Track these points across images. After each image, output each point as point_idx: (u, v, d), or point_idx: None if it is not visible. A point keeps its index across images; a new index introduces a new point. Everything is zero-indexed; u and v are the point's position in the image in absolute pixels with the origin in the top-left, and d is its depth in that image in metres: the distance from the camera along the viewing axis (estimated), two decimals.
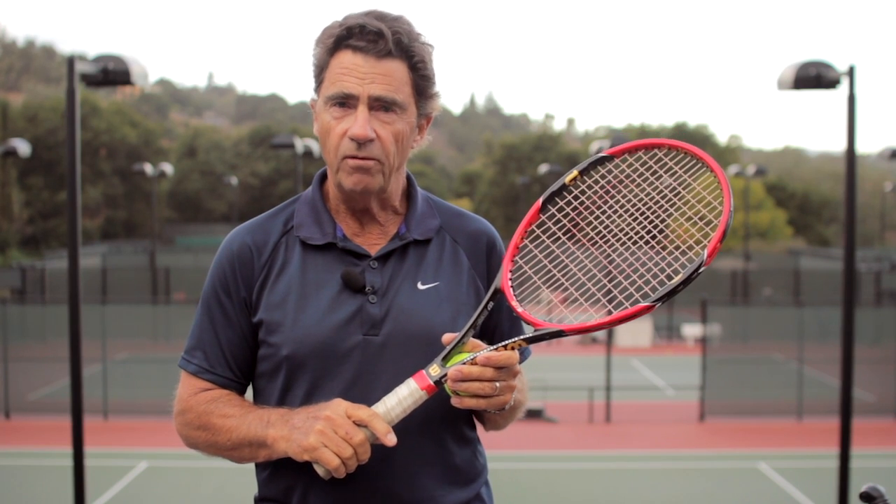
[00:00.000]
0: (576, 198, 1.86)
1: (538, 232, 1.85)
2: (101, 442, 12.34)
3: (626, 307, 1.68)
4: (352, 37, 1.75)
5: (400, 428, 1.75)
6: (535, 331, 1.72)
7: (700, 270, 1.63)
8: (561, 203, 1.86)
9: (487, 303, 1.77)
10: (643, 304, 1.65)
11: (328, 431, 1.64)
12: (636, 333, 23.52)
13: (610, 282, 1.76)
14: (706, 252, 1.64)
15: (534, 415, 14.70)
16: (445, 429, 1.86)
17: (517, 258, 1.83)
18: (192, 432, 1.85)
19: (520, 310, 1.76)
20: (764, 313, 18.91)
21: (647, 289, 1.69)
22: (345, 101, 1.76)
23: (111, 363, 15.23)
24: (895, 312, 17.19)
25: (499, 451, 12.00)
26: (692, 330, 23.32)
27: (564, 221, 1.85)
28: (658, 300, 1.64)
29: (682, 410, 15.75)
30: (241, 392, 1.91)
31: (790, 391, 15.31)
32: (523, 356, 2.00)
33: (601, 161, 1.87)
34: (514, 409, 1.90)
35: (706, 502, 10.77)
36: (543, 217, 1.86)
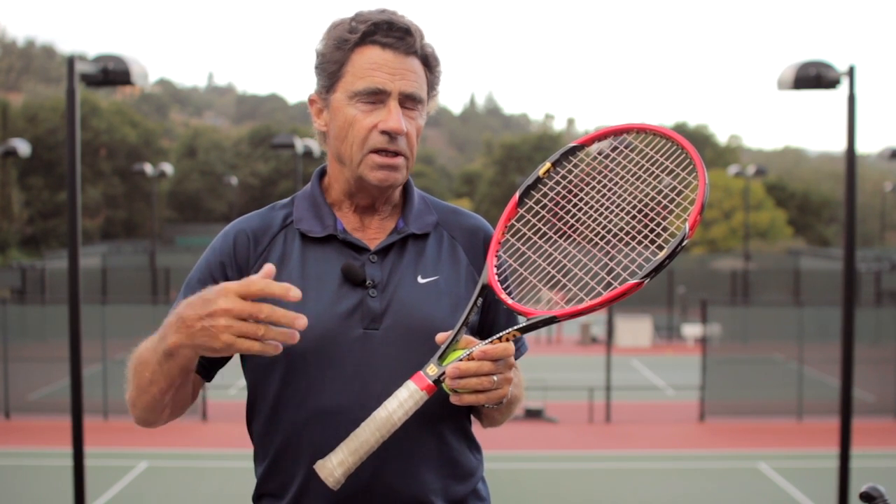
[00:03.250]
0: (551, 189, 1.87)
1: (518, 226, 1.86)
2: (101, 442, 12.34)
3: (615, 287, 1.69)
4: (378, 32, 1.77)
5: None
6: (528, 319, 1.73)
7: (684, 243, 1.65)
8: (538, 196, 1.88)
9: (476, 299, 1.77)
10: (632, 281, 1.66)
11: (232, 323, 1.52)
12: (636, 333, 23.51)
13: (596, 265, 1.77)
14: (688, 225, 1.65)
15: (534, 415, 14.69)
16: (444, 424, 1.86)
17: (500, 252, 1.84)
18: (130, 395, 1.76)
19: (510, 301, 1.77)
20: (764, 313, 18.89)
21: (633, 267, 1.70)
22: (374, 97, 1.78)
23: (111, 363, 15.20)
24: (895, 312, 17.19)
25: (499, 451, 11.97)
26: (692, 330, 23.30)
27: (543, 213, 1.86)
28: (646, 276, 1.65)
29: (682, 410, 15.75)
30: (207, 377, 1.86)
31: (790, 391, 15.31)
32: (520, 352, 2.00)
33: (573, 151, 1.88)
34: (510, 403, 1.89)
35: (706, 502, 10.77)
36: (522, 211, 1.87)
